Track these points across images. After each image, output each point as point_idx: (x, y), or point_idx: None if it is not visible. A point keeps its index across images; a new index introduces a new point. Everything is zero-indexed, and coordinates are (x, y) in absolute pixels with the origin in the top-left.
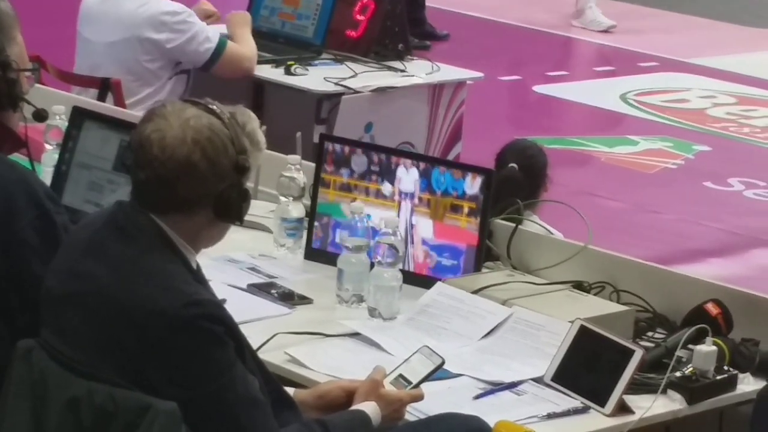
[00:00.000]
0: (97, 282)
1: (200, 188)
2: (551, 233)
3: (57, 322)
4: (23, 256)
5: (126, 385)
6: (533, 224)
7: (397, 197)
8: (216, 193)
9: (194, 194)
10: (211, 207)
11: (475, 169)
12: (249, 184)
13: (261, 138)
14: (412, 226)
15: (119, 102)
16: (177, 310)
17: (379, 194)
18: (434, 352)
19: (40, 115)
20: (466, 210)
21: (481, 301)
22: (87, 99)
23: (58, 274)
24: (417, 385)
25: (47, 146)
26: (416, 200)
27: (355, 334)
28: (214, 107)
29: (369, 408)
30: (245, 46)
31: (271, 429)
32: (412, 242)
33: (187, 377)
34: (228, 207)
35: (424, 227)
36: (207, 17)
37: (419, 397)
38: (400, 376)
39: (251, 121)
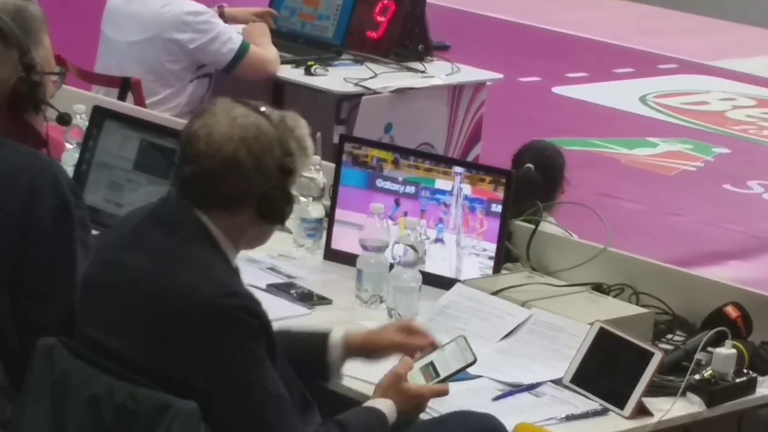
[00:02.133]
0: (137, 270)
1: (244, 186)
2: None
3: (95, 310)
4: (34, 243)
5: (152, 380)
6: (550, 226)
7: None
8: (260, 193)
9: (238, 192)
10: (254, 207)
11: (495, 171)
12: None
13: (309, 144)
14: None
15: (139, 101)
16: (214, 300)
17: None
18: (469, 346)
19: (63, 120)
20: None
21: (500, 302)
22: (108, 98)
23: (98, 263)
24: (444, 380)
25: (68, 145)
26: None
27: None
28: (264, 109)
29: (386, 407)
30: (267, 50)
31: (295, 429)
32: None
33: (217, 368)
34: (271, 208)
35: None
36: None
37: (443, 393)
38: (431, 364)
39: (301, 126)
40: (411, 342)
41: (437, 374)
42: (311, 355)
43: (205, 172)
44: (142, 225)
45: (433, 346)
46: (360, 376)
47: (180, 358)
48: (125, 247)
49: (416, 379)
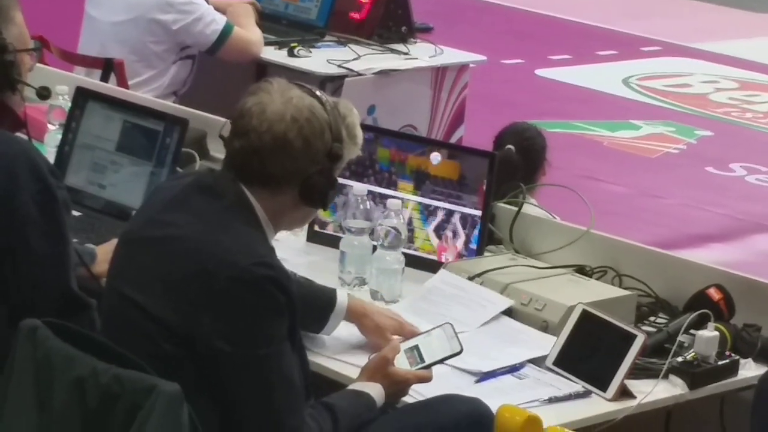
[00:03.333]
0: (175, 228)
1: (291, 166)
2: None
3: (128, 265)
4: (22, 229)
5: (171, 340)
6: (533, 208)
7: None
8: (305, 175)
9: (284, 171)
10: (297, 188)
11: (477, 153)
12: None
13: (359, 133)
14: None
15: (122, 82)
16: (247, 266)
17: None
18: (456, 335)
19: (43, 94)
20: None
21: (482, 290)
22: (90, 80)
23: (138, 222)
24: (428, 366)
25: (50, 126)
26: None
27: None
28: (319, 93)
29: (374, 391)
30: (251, 32)
31: (300, 414)
32: None
33: (237, 332)
34: (314, 191)
35: None
36: None
37: (427, 379)
38: (416, 348)
39: (353, 114)
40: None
41: (422, 359)
42: (314, 306)
43: (254, 148)
44: (187, 189)
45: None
46: (344, 359)
47: (204, 317)
48: (168, 208)
49: (400, 362)
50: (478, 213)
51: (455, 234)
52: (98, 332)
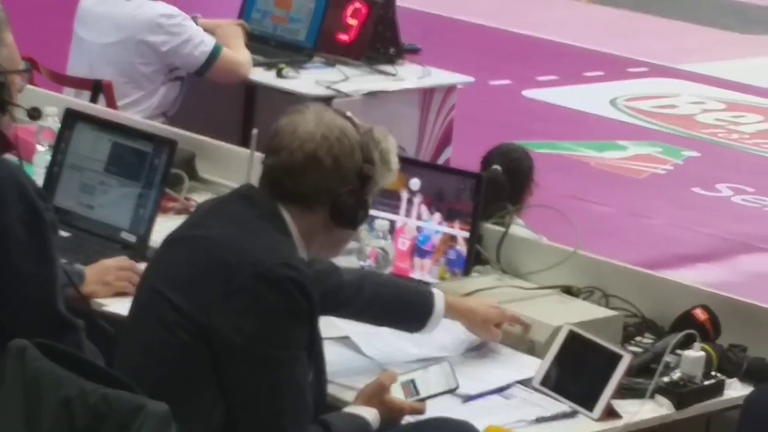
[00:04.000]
0: (210, 229)
1: (321, 184)
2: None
3: (160, 259)
4: (8, 250)
5: (194, 335)
6: (520, 228)
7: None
8: (335, 195)
9: (314, 189)
10: (328, 208)
11: (465, 174)
12: None
13: (394, 159)
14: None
15: (111, 104)
16: (271, 265)
17: None
18: (453, 373)
19: (33, 115)
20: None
21: None
22: (79, 101)
23: (184, 226)
24: (423, 400)
25: (39, 147)
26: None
27: (345, 338)
28: (353, 117)
29: (371, 415)
30: (240, 53)
31: (303, 428)
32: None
33: (252, 329)
34: (342, 210)
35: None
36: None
37: (420, 411)
38: (412, 382)
39: (387, 141)
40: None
41: (417, 392)
42: (412, 309)
43: (285, 166)
44: (227, 197)
45: (526, 327)
46: (341, 381)
47: (223, 310)
48: (208, 214)
49: (396, 392)
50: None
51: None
52: (86, 353)
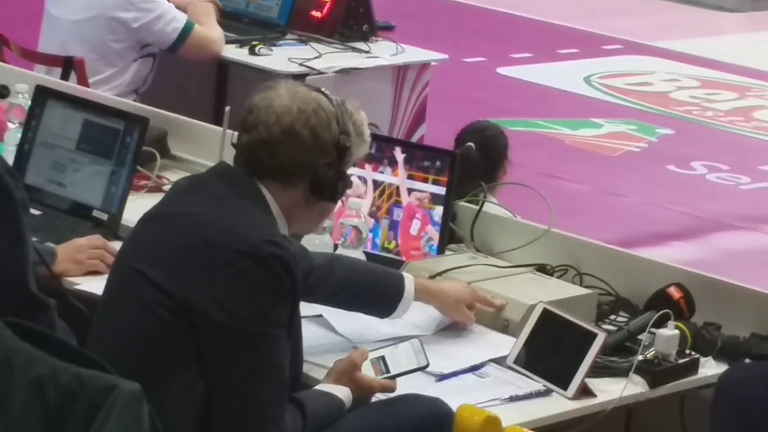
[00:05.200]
0: (189, 206)
1: (299, 157)
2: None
3: (139, 237)
4: None
5: (175, 314)
6: (493, 206)
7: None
8: (314, 167)
9: (293, 162)
10: (308, 181)
11: (439, 151)
12: None
13: (366, 131)
14: None
15: (82, 81)
16: (255, 242)
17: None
18: (423, 350)
19: (1, 93)
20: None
21: None
22: (50, 78)
23: (161, 203)
24: (393, 377)
25: (10, 125)
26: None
27: (318, 316)
28: (325, 90)
29: (343, 393)
30: (212, 30)
31: (281, 408)
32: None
33: (234, 306)
34: (323, 183)
35: None
36: None
37: (391, 389)
38: (382, 359)
39: (359, 113)
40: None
41: (387, 370)
42: (381, 294)
43: (263, 140)
44: (206, 175)
45: (498, 308)
46: (311, 360)
47: (205, 287)
48: (187, 191)
49: (366, 369)
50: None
51: None
52: (58, 332)
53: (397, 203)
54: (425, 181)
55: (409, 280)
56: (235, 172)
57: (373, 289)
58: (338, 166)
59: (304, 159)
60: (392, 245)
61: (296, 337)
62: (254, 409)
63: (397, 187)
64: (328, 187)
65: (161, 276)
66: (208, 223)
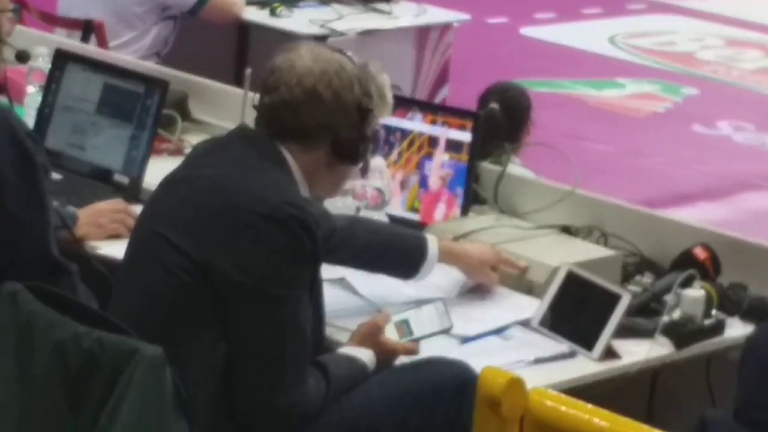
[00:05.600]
0: (210, 168)
1: (322, 119)
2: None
3: (160, 200)
4: (0, 194)
5: (196, 277)
6: (517, 167)
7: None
8: (336, 129)
9: (315, 124)
10: (329, 144)
11: (462, 113)
12: None
13: (389, 94)
14: None
15: (102, 44)
16: (277, 204)
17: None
18: (447, 313)
19: (22, 57)
20: None
21: None
22: (70, 41)
23: (183, 165)
24: (416, 340)
25: (30, 88)
26: None
27: (340, 279)
28: (347, 52)
29: (367, 356)
30: None
31: (303, 370)
32: None
33: (256, 268)
34: (345, 145)
35: None
36: None
37: (414, 352)
38: (405, 322)
39: (382, 76)
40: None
41: (411, 332)
42: (405, 255)
43: (285, 101)
44: (227, 137)
45: (522, 270)
46: (334, 323)
47: (227, 250)
48: (208, 153)
49: (389, 332)
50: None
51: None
52: (80, 297)
53: (429, 156)
54: (462, 128)
55: (432, 242)
56: (256, 135)
57: (396, 250)
58: (360, 128)
59: (326, 121)
60: (417, 204)
61: (318, 300)
62: (276, 372)
63: (429, 137)
64: (350, 149)
65: (182, 239)
66: (229, 186)
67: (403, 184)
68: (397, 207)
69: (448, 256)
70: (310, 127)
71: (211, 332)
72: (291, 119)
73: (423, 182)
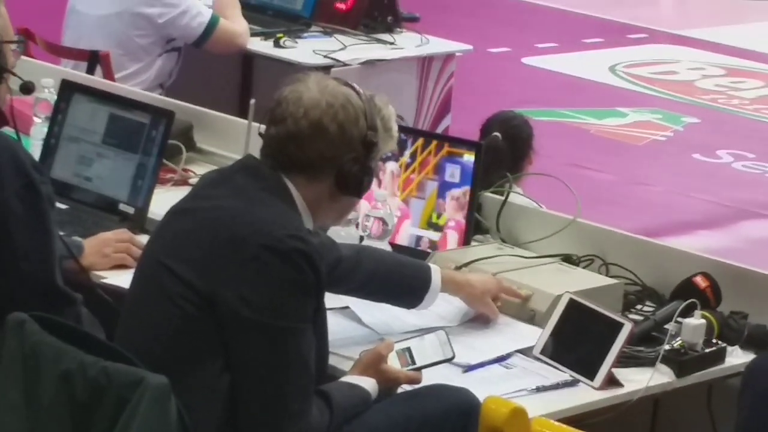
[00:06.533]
0: (215, 199)
1: (326, 152)
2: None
3: (164, 231)
4: (5, 224)
5: (200, 308)
6: (519, 197)
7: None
8: (340, 162)
9: (319, 157)
10: (333, 176)
11: (464, 142)
12: None
13: (394, 126)
14: None
15: (108, 75)
16: (280, 236)
17: None
18: (449, 342)
19: (27, 88)
20: None
21: None
22: (76, 72)
23: (188, 197)
24: (419, 369)
25: (36, 119)
26: None
27: (344, 308)
28: (354, 84)
29: (369, 384)
30: (237, 23)
31: (308, 400)
32: None
33: (259, 301)
34: (348, 178)
35: None
36: None
37: (416, 381)
38: (408, 350)
39: (388, 108)
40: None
41: (413, 361)
42: (408, 285)
43: (290, 134)
44: (232, 168)
45: (524, 299)
46: (337, 351)
47: (230, 282)
48: (212, 185)
49: (392, 360)
50: None
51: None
52: (85, 326)
53: (452, 156)
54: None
55: (435, 272)
56: (261, 166)
57: (400, 280)
58: (364, 161)
59: (331, 154)
60: (443, 219)
61: (321, 329)
62: (280, 403)
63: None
64: (354, 182)
65: (187, 270)
66: (233, 218)
67: (419, 191)
68: (405, 229)
69: (451, 286)
70: (315, 160)
71: (215, 363)
72: (296, 152)
73: (443, 190)
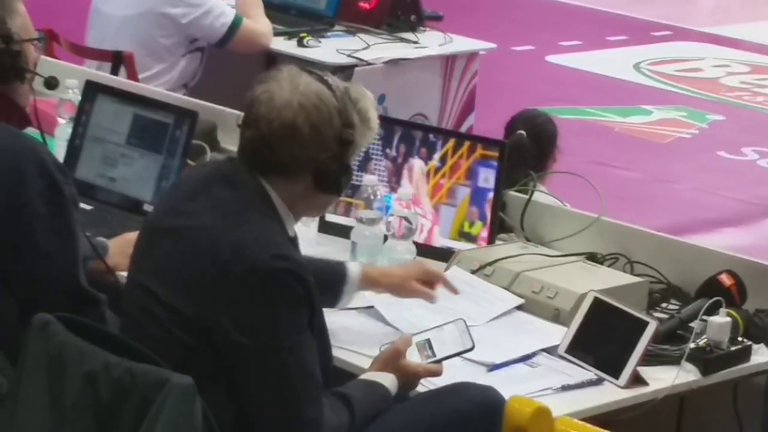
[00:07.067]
0: (195, 218)
1: (301, 153)
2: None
3: (146, 252)
4: (29, 226)
5: (188, 332)
6: (543, 195)
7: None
8: (316, 162)
9: (294, 159)
10: (311, 175)
11: (488, 141)
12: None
13: (373, 116)
14: None
15: (132, 75)
16: (263, 259)
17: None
18: (468, 331)
19: (51, 84)
20: None
21: (492, 287)
22: (100, 73)
23: (159, 211)
24: (439, 361)
25: (60, 120)
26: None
27: (369, 307)
28: (328, 78)
29: (388, 381)
30: (260, 23)
31: (319, 408)
32: None
33: (255, 326)
34: (326, 178)
35: None
36: None
37: (437, 373)
38: (428, 342)
39: (365, 98)
40: (426, 282)
41: (433, 353)
42: (326, 282)
43: (264, 137)
44: (207, 179)
45: (454, 292)
46: (355, 349)
47: (221, 310)
48: (188, 197)
49: (411, 355)
50: None
51: None
52: (109, 326)
53: (486, 159)
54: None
55: (353, 268)
56: (239, 171)
57: (319, 277)
58: (341, 159)
59: (305, 155)
60: (476, 228)
61: (321, 331)
62: (293, 414)
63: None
64: (332, 180)
65: (173, 297)
66: (215, 242)
67: (449, 197)
68: (435, 238)
69: (368, 280)
70: (290, 162)
71: (218, 392)
72: (270, 154)
73: (476, 197)
